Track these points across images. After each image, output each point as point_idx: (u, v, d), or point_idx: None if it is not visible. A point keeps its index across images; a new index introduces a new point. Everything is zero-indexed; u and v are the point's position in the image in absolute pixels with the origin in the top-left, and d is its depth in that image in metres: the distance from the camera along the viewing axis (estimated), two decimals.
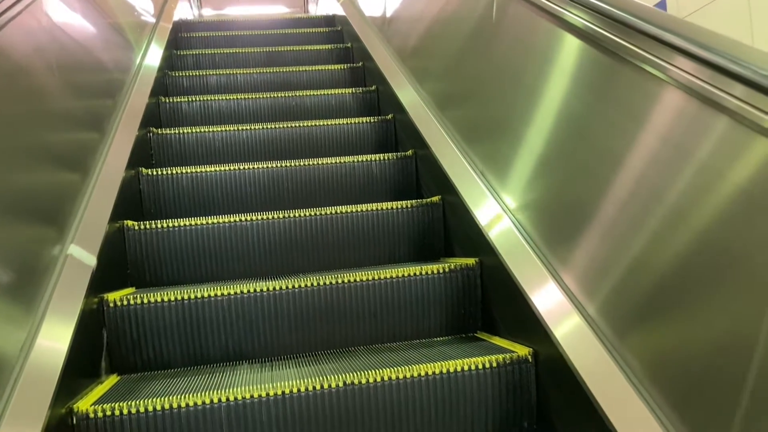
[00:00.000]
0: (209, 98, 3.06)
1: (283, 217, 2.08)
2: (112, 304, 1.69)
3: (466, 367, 1.49)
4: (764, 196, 0.99)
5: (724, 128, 1.11)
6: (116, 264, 1.93)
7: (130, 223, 2.01)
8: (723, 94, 1.09)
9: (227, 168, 2.38)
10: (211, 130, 2.71)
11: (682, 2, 4.07)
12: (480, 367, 1.49)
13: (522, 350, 1.53)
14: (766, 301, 0.94)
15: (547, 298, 1.48)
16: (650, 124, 1.30)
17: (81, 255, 1.63)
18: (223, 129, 2.71)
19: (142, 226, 2.01)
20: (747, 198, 1.03)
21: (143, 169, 2.34)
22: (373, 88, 3.21)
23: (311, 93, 3.15)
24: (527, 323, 1.53)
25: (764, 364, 0.93)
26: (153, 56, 3.14)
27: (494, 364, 1.50)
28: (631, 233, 1.30)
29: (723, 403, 1.00)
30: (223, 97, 3.08)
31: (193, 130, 2.70)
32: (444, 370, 1.48)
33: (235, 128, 2.72)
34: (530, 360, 1.51)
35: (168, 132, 2.69)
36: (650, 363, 1.18)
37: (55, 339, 1.35)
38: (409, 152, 2.52)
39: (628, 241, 1.31)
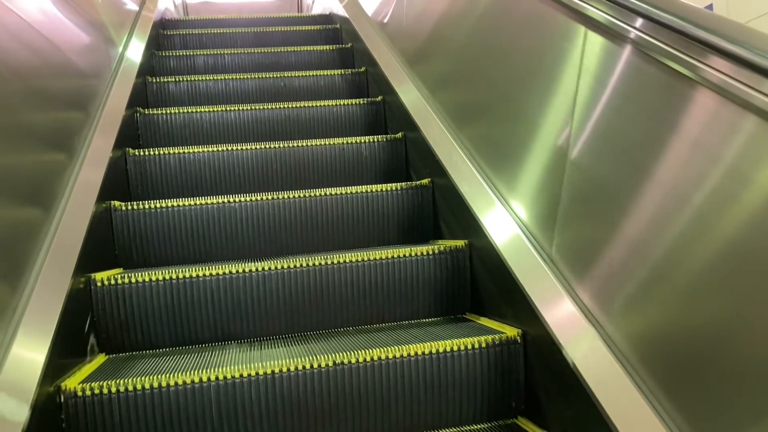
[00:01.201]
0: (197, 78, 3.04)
1: (272, 198, 2.07)
2: (99, 284, 1.67)
3: (455, 348, 1.49)
4: None
5: (762, 134, 1.04)
6: (103, 244, 1.91)
7: (117, 203, 1.99)
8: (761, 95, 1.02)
9: (215, 149, 2.36)
10: (198, 110, 2.68)
11: (732, 9, 3.86)
12: (469, 347, 1.50)
13: (511, 331, 1.53)
14: None
15: (537, 280, 1.48)
16: (677, 128, 1.21)
17: (68, 234, 1.62)
18: (211, 110, 2.69)
19: (129, 207, 2.00)
20: None
21: (130, 149, 2.31)
22: (363, 69, 3.20)
23: (299, 74, 3.14)
24: (516, 304, 1.54)
25: None
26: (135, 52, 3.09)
27: (483, 345, 1.50)
28: (621, 216, 1.31)
29: (701, 375, 1.02)
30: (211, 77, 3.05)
31: (181, 111, 2.68)
32: (433, 350, 1.48)
33: (223, 109, 2.70)
34: (519, 341, 1.51)
35: (155, 112, 2.66)
36: (638, 343, 1.19)
37: (42, 318, 1.34)
38: (399, 134, 2.51)
39: (619, 223, 1.31)
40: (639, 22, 1.34)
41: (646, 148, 1.27)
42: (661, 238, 1.19)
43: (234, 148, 2.37)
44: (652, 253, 1.20)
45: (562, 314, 1.37)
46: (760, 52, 1.03)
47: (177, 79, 3.03)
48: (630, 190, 1.29)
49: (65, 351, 1.41)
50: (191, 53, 3.38)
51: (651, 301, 1.18)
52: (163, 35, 3.73)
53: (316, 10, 5.34)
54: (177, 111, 2.66)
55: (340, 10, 3.97)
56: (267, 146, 2.39)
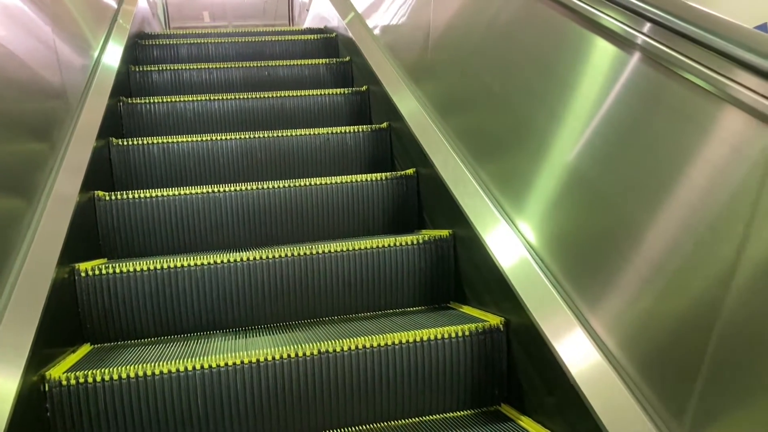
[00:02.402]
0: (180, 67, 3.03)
1: (257, 188, 2.07)
2: (83, 274, 1.67)
3: (438, 336, 1.51)
4: None
5: None
6: (88, 235, 1.90)
7: (100, 193, 1.98)
8: None
9: (199, 138, 2.35)
10: (182, 99, 2.67)
11: None
12: (453, 335, 1.52)
13: (494, 319, 1.55)
14: None
15: (519, 268, 1.50)
16: (700, 150, 1.09)
17: (51, 225, 1.61)
18: (195, 99, 2.68)
19: (113, 197, 1.99)
20: None
21: (113, 138, 2.30)
22: (347, 58, 3.20)
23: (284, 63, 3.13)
24: (500, 293, 1.55)
25: None
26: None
27: (467, 333, 1.52)
28: (597, 208, 1.32)
29: (684, 367, 1.04)
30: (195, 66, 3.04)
31: (164, 100, 2.66)
32: (417, 339, 1.50)
33: (207, 98, 2.69)
34: (501, 329, 1.53)
35: (138, 102, 2.64)
36: (619, 330, 1.21)
37: (26, 308, 1.34)
38: (384, 125, 2.52)
39: (599, 215, 1.33)
40: (665, 35, 1.18)
41: (659, 166, 1.17)
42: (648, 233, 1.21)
43: (218, 137, 2.36)
44: (630, 244, 1.22)
45: (544, 302, 1.39)
46: None
47: (160, 68, 3.01)
48: (622, 187, 1.30)
49: (50, 341, 1.41)
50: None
51: (631, 289, 1.20)
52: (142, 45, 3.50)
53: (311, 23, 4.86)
54: (160, 100, 2.65)
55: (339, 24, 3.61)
56: (251, 136, 2.38)
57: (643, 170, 1.21)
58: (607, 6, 1.34)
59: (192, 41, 3.47)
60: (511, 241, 1.57)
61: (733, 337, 0.96)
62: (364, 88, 2.83)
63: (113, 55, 2.76)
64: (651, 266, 1.15)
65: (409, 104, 2.35)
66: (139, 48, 3.37)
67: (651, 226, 1.17)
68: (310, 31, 4.00)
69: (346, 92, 2.83)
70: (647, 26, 1.23)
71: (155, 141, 2.32)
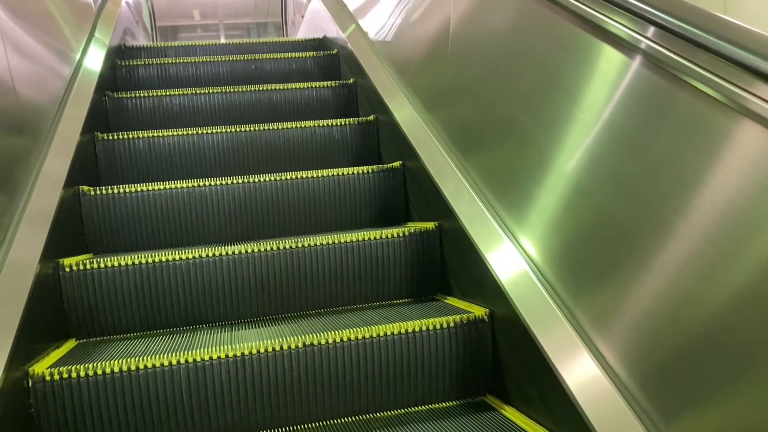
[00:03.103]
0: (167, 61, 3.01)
1: (243, 182, 2.06)
2: (68, 269, 1.66)
3: (423, 328, 1.51)
4: None
5: None
6: (72, 230, 1.90)
7: (85, 188, 1.97)
8: None
9: (185, 132, 2.34)
10: (168, 93, 2.66)
11: None
12: (438, 327, 1.52)
13: (478, 311, 1.56)
14: None
15: (504, 260, 1.51)
16: (716, 167, 1.02)
17: (34, 220, 1.60)
18: (181, 93, 2.66)
19: (98, 192, 1.98)
20: None
21: (99, 133, 2.29)
22: (335, 51, 3.19)
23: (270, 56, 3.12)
24: (484, 284, 1.56)
25: None
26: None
27: (451, 324, 1.53)
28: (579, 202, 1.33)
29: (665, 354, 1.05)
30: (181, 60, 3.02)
31: (150, 94, 2.65)
32: (402, 331, 1.50)
33: (193, 92, 2.68)
34: (486, 320, 1.54)
35: (124, 96, 2.63)
36: (601, 320, 1.22)
37: (7, 304, 1.33)
38: (371, 117, 2.51)
39: (581, 208, 1.34)
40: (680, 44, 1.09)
41: (669, 181, 1.10)
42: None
43: (204, 131, 2.35)
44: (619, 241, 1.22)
45: (527, 293, 1.39)
46: None
47: (146, 63, 2.99)
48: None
49: (33, 336, 1.40)
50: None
51: (616, 285, 1.21)
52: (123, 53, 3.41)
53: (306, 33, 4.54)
54: (146, 94, 2.64)
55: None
56: (237, 129, 2.38)
57: (650, 184, 1.14)
58: (616, 12, 1.24)
59: (176, 60, 3.08)
60: (495, 234, 1.58)
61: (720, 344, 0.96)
62: (351, 80, 2.82)
63: (85, 85, 2.41)
64: (640, 259, 1.16)
65: (394, 95, 2.35)
66: (118, 69, 3.04)
67: (649, 235, 1.16)
68: (308, 45, 3.69)
69: (333, 84, 2.82)
70: (661, 34, 1.13)
71: (141, 135, 2.31)
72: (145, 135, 2.32)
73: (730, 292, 0.96)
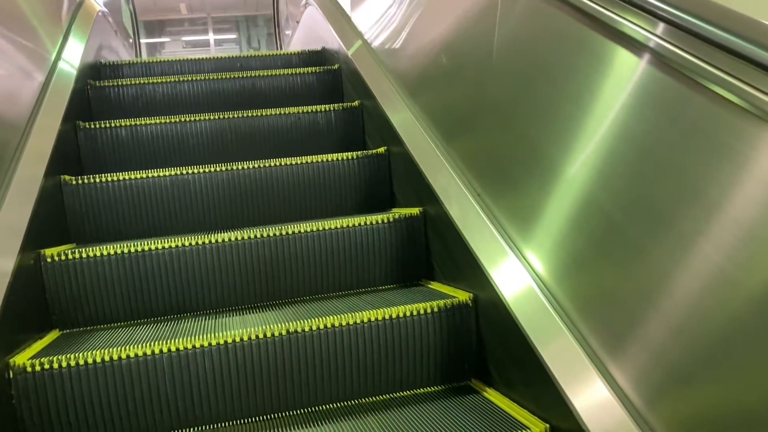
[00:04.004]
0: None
1: (227, 169, 2.05)
2: (49, 260, 1.65)
3: (408, 313, 1.51)
4: None
5: None
6: (54, 219, 1.88)
7: (67, 177, 1.95)
8: None
9: (168, 120, 2.32)
10: (151, 81, 2.63)
11: None
12: (422, 312, 1.52)
13: (463, 295, 1.56)
14: None
15: (486, 244, 1.50)
16: (742, 182, 0.92)
17: (14, 210, 1.59)
18: (164, 80, 2.64)
19: (81, 181, 1.96)
20: None
21: (80, 122, 2.26)
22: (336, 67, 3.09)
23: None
24: (468, 269, 1.56)
25: None
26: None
27: (435, 309, 1.53)
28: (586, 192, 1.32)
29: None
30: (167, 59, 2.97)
31: (133, 82, 2.62)
32: (386, 316, 1.50)
33: (176, 79, 2.65)
34: (470, 305, 1.54)
35: (106, 84, 2.60)
36: (583, 301, 1.22)
37: None
38: (356, 103, 2.50)
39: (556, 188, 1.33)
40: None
41: (689, 196, 1.01)
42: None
43: (187, 119, 2.33)
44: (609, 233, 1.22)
45: (509, 276, 1.39)
46: None
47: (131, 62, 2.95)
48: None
49: (14, 328, 1.39)
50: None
51: (606, 270, 1.21)
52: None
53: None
54: (129, 82, 2.61)
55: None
56: (221, 116, 2.36)
57: (669, 198, 1.04)
58: (633, 12, 1.12)
59: (152, 81, 2.68)
60: (478, 219, 1.57)
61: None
62: (336, 66, 2.79)
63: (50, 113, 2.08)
64: (633, 252, 1.16)
65: (379, 82, 2.33)
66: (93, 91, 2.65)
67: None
68: (305, 59, 3.33)
69: (318, 70, 2.79)
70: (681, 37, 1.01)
71: (123, 123, 2.29)
72: (128, 123, 2.29)
73: (754, 317, 0.87)
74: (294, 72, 2.85)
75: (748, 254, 0.88)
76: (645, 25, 1.09)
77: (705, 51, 0.96)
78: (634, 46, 1.13)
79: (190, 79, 2.70)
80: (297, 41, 4.56)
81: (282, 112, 2.42)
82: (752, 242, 0.88)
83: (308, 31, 3.94)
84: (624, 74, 1.18)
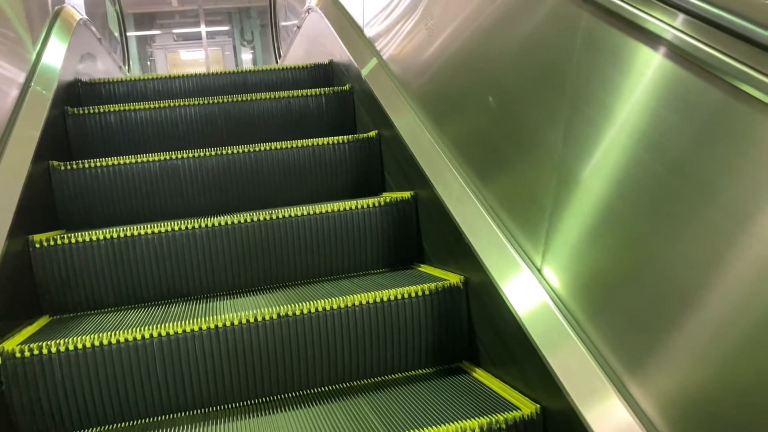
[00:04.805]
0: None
1: (217, 153, 2.04)
2: (38, 245, 1.64)
3: (399, 296, 1.51)
4: None
5: None
6: (42, 205, 1.87)
7: (55, 163, 1.94)
8: None
9: (158, 105, 2.30)
10: (142, 77, 2.59)
11: None
12: (413, 295, 1.52)
13: (454, 278, 1.56)
14: None
15: (476, 226, 1.50)
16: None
17: (1, 196, 1.57)
18: (156, 77, 2.61)
19: (69, 166, 1.95)
20: None
21: (69, 107, 2.24)
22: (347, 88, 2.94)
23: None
24: (459, 252, 1.56)
25: None
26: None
27: (426, 292, 1.53)
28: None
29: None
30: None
31: (125, 79, 2.59)
32: (377, 299, 1.50)
33: (167, 76, 2.61)
34: (461, 287, 1.54)
35: (88, 112, 2.50)
36: (574, 286, 1.22)
37: None
38: (346, 87, 2.48)
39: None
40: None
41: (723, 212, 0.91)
42: None
43: (177, 103, 2.31)
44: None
45: (500, 259, 1.39)
46: None
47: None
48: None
49: (3, 314, 1.39)
50: None
51: (591, 249, 1.21)
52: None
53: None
54: (121, 79, 2.59)
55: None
56: (210, 101, 2.34)
57: (700, 212, 0.94)
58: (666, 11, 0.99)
59: (143, 107, 2.32)
60: (468, 200, 1.57)
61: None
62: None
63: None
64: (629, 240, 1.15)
65: (370, 66, 2.31)
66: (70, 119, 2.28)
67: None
68: (309, 76, 2.93)
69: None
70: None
71: (112, 109, 2.27)
72: (117, 109, 2.27)
73: None
74: (300, 94, 2.47)
75: None
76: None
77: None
78: (665, 47, 0.99)
79: (181, 104, 2.35)
80: (298, 49, 4.10)
81: (288, 146, 2.12)
82: None
83: (311, 41, 3.52)
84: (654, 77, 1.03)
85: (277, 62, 5.66)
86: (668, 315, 0.97)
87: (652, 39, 1.03)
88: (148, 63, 14.07)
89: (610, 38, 1.13)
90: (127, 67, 5.23)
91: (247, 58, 14.21)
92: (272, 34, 5.89)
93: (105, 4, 4.76)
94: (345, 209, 1.83)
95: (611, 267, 1.12)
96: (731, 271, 0.88)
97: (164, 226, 1.72)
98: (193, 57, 14.26)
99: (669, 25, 0.98)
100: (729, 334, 0.88)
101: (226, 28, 14.68)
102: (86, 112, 2.25)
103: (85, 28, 3.00)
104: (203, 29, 13.68)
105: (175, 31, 14.51)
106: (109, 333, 1.37)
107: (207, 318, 1.42)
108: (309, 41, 3.60)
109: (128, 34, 6.10)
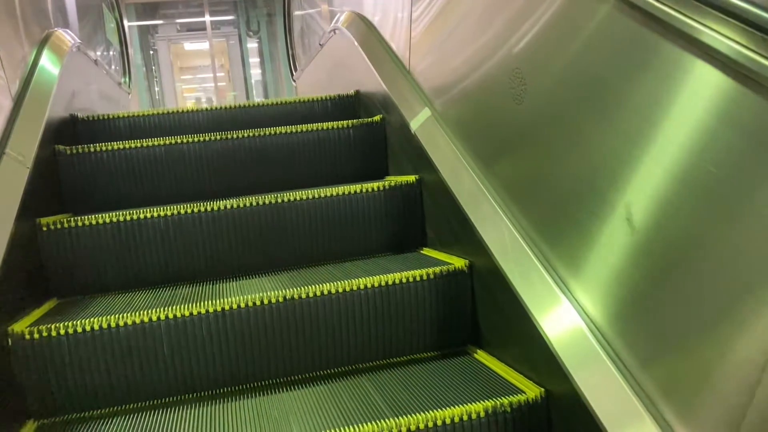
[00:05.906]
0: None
1: (222, 137, 2.04)
2: (45, 228, 1.65)
3: (404, 279, 1.52)
4: None
5: None
6: (50, 189, 1.87)
7: (61, 147, 1.94)
8: None
9: (163, 111, 2.30)
10: (134, 145, 2.14)
11: None
12: (418, 278, 1.53)
13: (458, 262, 1.56)
14: None
15: (482, 211, 1.50)
16: None
17: (8, 180, 1.58)
18: (161, 112, 2.59)
19: (75, 150, 1.95)
20: None
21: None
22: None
23: None
24: (464, 235, 1.56)
25: None
26: None
27: (431, 276, 1.53)
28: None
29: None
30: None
31: (117, 147, 2.48)
32: (383, 283, 1.51)
33: (175, 111, 2.40)
34: (466, 271, 1.55)
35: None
36: (573, 264, 1.23)
37: None
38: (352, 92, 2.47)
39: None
40: None
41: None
42: None
43: (185, 110, 2.30)
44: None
45: (504, 242, 1.39)
46: None
47: None
48: None
49: (11, 297, 1.40)
50: None
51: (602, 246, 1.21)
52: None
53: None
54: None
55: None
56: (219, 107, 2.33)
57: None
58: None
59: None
60: (473, 184, 1.57)
61: None
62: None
63: None
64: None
65: (374, 47, 2.30)
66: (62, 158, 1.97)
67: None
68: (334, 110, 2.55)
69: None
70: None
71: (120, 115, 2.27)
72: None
73: None
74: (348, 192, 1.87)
75: None
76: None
77: None
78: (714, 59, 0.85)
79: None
80: (318, 72, 3.67)
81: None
82: None
83: (338, 69, 3.06)
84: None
85: (292, 74, 5.08)
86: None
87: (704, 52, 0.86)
88: (151, 53, 13.95)
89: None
90: (127, 79, 4.74)
91: (252, 47, 14.04)
92: (287, 41, 5.23)
93: (102, 13, 4.39)
94: (349, 193, 1.84)
95: (616, 249, 1.12)
96: None
97: (170, 209, 1.72)
98: (196, 47, 14.12)
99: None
100: None
101: (231, 17, 14.55)
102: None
103: (78, 53, 2.68)
104: (208, 19, 13.56)
105: (179, 21, 14.38)
106: (116, 315, 1.38)
107: (213, 301, 1.43)
108: (333, 69, 3.17)
109: (130, 23, 5.79)
